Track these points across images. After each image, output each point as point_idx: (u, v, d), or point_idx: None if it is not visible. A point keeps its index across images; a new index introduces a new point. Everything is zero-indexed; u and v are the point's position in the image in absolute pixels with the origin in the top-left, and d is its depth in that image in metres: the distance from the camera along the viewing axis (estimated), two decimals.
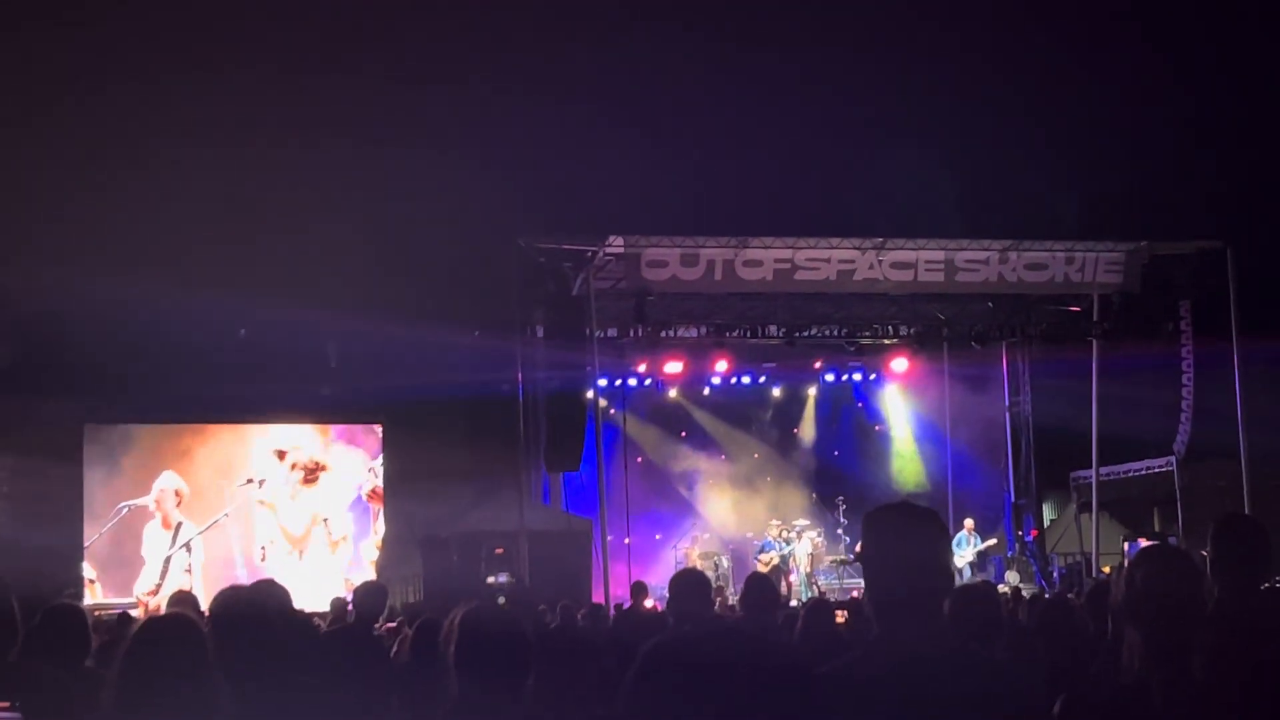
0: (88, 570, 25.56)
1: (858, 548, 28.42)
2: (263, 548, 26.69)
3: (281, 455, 27.33)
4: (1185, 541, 25.68)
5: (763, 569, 28.29)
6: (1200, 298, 28.24)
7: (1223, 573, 5.28)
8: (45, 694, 5.09)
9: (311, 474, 27.37)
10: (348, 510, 27.76)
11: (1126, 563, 4.65)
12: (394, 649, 10.75)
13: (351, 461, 27.97)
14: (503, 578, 24.76)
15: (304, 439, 27.72)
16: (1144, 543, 24.78)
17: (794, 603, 23.75)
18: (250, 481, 26.72)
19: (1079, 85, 32.20)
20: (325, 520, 27.29)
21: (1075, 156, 31.34)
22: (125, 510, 25.78)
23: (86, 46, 26.30)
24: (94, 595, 24.99)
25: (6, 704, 4.88)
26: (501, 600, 23.73)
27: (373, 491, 27.71)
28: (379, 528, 27.50)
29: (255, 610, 5.91)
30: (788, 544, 29.49)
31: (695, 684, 2.64)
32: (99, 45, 26.48)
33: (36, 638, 5.83)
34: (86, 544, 25.57)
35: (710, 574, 26.35)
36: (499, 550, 25.21)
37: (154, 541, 25.98)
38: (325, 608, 18.24)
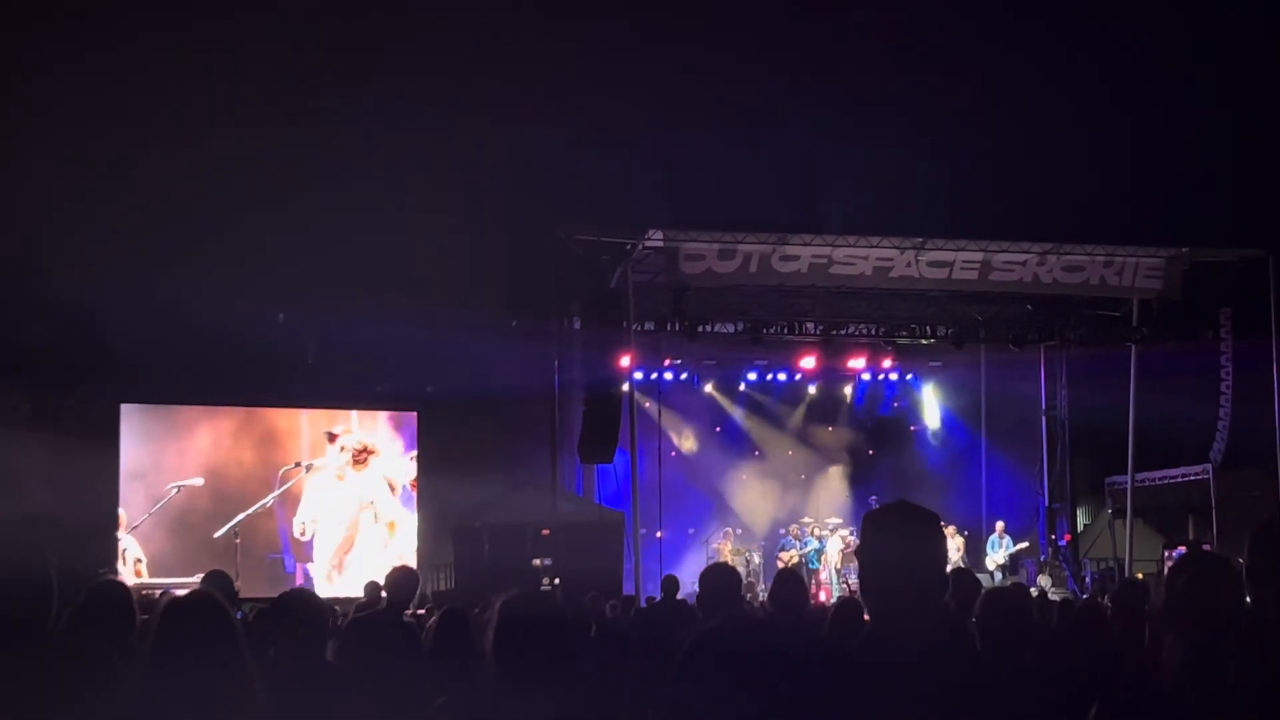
0: (135, 550, 25.60)
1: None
2: (303, 523, 26.64)
3: (332, 438, 27.30)
4: (1220, 550, 25.52)
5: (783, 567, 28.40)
6: (1241, 305, 28.08)
7: (1258, 581, 5.25)
8: (89, 666, 5.13)
9: (361, 457, 27.31)
10: (394, 496, 27.68)
11: (1167, 569, 4.64)
12: (424, 634, 10.75)
13: (396, 448, 27.92)
14: (549, 561, 24.82)
15: (354, 423, 27.65)
16: (1183, 550, 24.71)
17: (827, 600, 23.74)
18: (298, 465, 26.70)
19: (1125, 90, 31.99)
20: (373, 503, 27.23)
21: (1118, 161, 31.14)
22: (175, 490, 25.80)
23: (123, 38, 26.44)
24: (141, 574, 25.08)
25: None
26: (547, 581, 23.80)
27: (415, 480, 27.66)
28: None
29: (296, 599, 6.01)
30: (816, 541, 29.49)
31: (740, 680, 2.64)
32: (138, 38, 26.64)
33: (83, 614, 5.87)
34: (136, 524, 25.61)
35: (741, 569, 26.37)
36: (545, 532, 25.24)
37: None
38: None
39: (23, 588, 4.89)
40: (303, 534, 26.56)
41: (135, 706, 4.48)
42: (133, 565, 25.51)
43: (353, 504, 27.07)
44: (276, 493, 26.36)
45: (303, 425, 27.44)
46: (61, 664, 4.71)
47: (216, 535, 25.61)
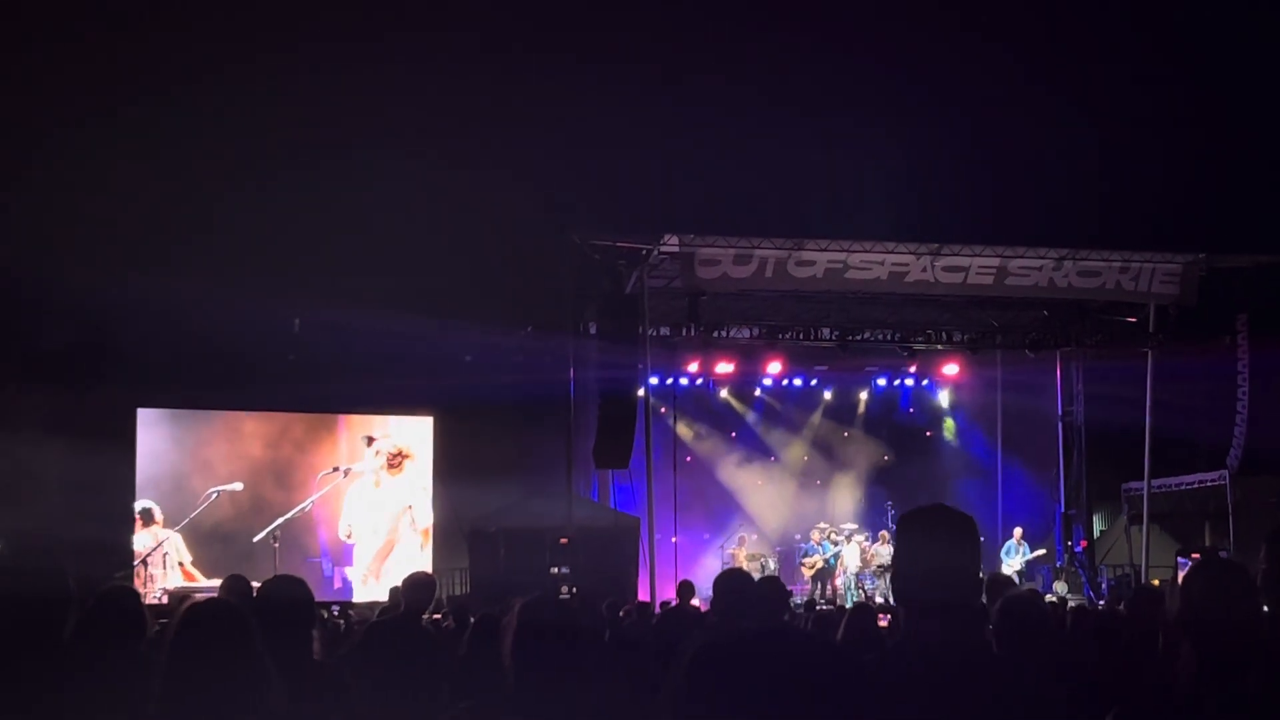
0: (181, 553, 25.63)
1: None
2: (348, 526, 26.64)
3: (370, 441, 27.24)
4: (1236, 556, 25.40)
5: (807, 573, 28.47)
6: (1258, 311, 28.00)
7: (1273, 588, 5.22)
8: (98, 676, 5.13)
9: (395, 462, 27.24)
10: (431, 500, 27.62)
11: (1180, 576, 4.64)
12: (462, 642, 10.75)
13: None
14: (566, 569, 24.83)
15: (390, 427, 27.63)
16: (1196, 558, 24.58)
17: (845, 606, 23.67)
18: (335, 470, 26.69)
19: (1141, 96, 31.96)
20: (410, 509, 27.20)
21: (1135, 167, 31.10)
22: (215, 495, 25.81)
23: (145, 49, 26.54)
24: (192, 578, 25.20)
25: None
26: (564, 589, 23.79)
27: None
28: None
29: (299, 599, 6.00)
30: (835, 545, 29.48)
31: (747, 686, 2.64)
32: (158, 47, 26.74)
33: (93, 620, 5.87)
34: (177, 528, 25.63)
35: (756, 575, 26.32)
36: (563, 540, 25.23)
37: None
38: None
39: (42, 599, 4.90)
40: (348, 536, 26.57)
41: (153, 710, 4.49)
42: (177, 568, 25.57)
43: (392, 510, 27.05)
44: (315, 496, 26.36)
45: (339, 429, 27.42)
46: (68, 670, 4.72)
47: (256, 539, 25.63)
